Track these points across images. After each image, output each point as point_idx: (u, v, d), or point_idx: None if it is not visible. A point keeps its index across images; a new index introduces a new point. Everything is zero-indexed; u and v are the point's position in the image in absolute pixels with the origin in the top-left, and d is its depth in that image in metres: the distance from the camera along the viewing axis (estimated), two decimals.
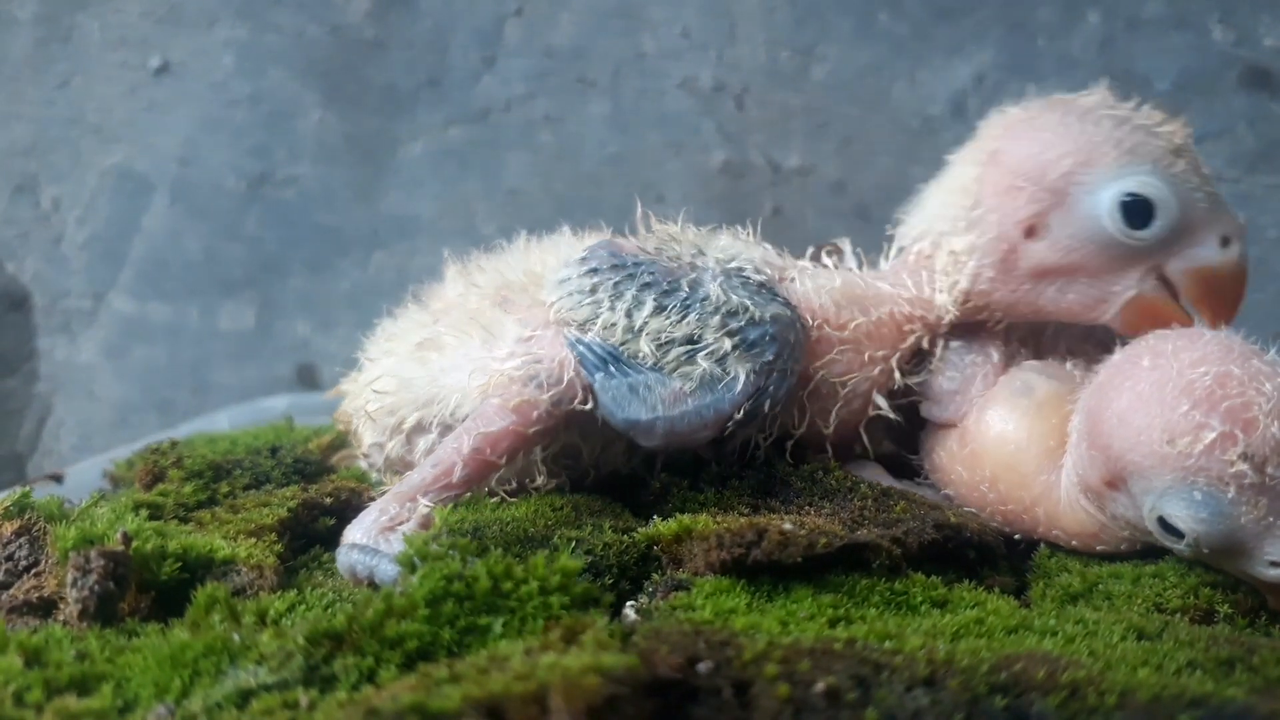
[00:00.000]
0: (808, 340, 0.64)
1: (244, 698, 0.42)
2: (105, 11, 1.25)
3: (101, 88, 1.26)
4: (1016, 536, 0.65)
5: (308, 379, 1.30)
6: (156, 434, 0.96)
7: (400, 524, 0.61)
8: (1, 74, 1.25)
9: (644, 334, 0.61)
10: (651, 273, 0.63)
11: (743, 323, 0.61)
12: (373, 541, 0.60)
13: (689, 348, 0.61)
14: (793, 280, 0.67)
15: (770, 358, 0.61)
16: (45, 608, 0.54)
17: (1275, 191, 1.15)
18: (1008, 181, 0.64)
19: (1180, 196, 0.61)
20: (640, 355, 0.61)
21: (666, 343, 0.61)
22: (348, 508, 0.69)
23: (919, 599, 0.54)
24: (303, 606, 0.54)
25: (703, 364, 0.61)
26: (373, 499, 0.65)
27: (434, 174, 1.27)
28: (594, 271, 0.64)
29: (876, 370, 0.66)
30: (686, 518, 0.57)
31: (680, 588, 0.53)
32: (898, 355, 0.67)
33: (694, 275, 0.63)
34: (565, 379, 0.62)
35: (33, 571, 0.56)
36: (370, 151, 1.26)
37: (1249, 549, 0.54)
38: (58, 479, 0.82)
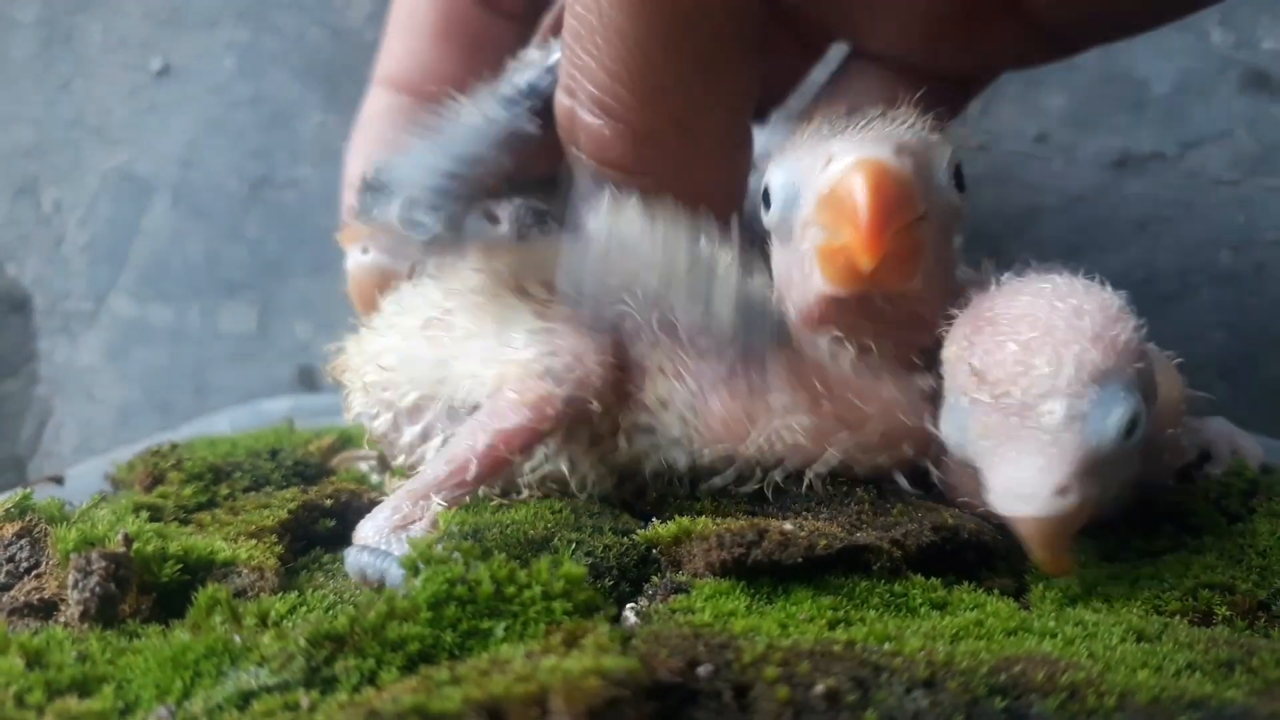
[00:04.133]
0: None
1: (245, 699, 0.42)
2: (106, 13, 1.25)
3: (103, 90, 1.26)
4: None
5: (308, 381, 1.30)
6: (157, 436, 0.96)
7: (412, 523, 0.61)
8: (3, 76, 1.25)
9: None
10: None
11: None
12: (384, 542, 0.59)
13: None
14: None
15: None
16: (46, 609, 0.54)
17: (1275, 194, 1.15)
18: None
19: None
20: None
21: None
22: (348, 510, 0.69)
23: (918, 601, 0.54)
24: (304, 608, 0.54)
25: None
26: (374, 500, 0.65)
27: None
28: None
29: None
30: (686, 519, 0.56)
31: (680, 590, 0.53)
32: None
33: None
34: (580, 374, 0.61)
35: (34, 573, 0.56)
36: None
37: (982, 476, 0.54)
38: (58, 481, 0.81)
